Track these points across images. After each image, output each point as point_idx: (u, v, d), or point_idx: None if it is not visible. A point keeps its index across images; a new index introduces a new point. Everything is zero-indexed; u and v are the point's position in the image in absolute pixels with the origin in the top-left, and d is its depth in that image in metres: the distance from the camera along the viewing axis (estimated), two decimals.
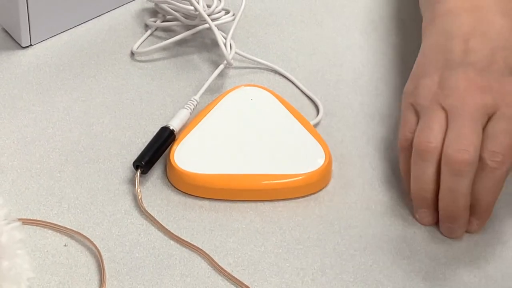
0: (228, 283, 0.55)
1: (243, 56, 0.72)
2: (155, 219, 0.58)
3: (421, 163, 0.56)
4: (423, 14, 0.66)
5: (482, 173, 0.55)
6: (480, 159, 0.55)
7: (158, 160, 0.62)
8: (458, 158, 0.54)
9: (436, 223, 0.58)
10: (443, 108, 0.57)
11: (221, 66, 0.69)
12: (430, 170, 0.56)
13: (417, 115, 0.59)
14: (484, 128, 0.56)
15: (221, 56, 0.70)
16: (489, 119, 0.56)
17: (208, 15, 0.71)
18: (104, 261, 0.55)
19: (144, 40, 0.74)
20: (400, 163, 0.60)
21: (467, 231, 0.57)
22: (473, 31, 0.60)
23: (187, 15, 0.73)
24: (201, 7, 0.71)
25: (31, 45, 0.72)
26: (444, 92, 0.58)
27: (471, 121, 0.56)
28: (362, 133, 0.65)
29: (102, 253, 0.55)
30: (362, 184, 0.61)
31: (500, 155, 0.55)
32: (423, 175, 0.57)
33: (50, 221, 0.58)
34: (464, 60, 0.59)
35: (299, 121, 0.63)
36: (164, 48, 0.73)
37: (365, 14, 0.77)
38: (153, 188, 0.60)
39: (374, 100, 0.68)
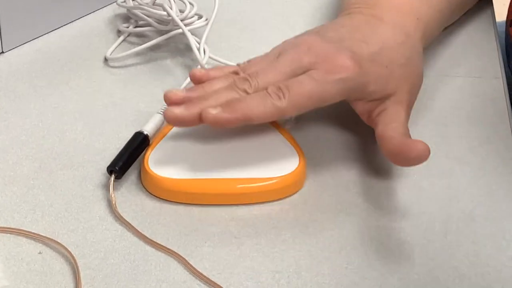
0: (205, 287, 0.54)
1: (217, 61, 0.72)
2: (130, 225, 0.58)
3: None
4: None
5: None
6: None
7: (133, 166, 0.62)
8: None
9: None
10: None
11: None
12: None
13: None
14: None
15: (195, 61, 0.71)
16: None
17: (181, 20, 0.72)
18: (79, 268, 0.55)
19: (117, 46, 0.74)
20: None
21: None
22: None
23: (160, 21, 0.73)
24: (174, 13, 0.71)
25: (2, 52, 0.72)
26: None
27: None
28: (336, 135, 0.66)
29: (77, 260, 0.55)
30: (336, 186, 0.62)
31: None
32: None
33: (24, 229, 0.57)
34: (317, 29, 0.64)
35: (273, 125, 0.64)
36: (137, 54, 0.73)
37: None
38: (127, 193, 0.60)
39: (347, 102, 0.68)
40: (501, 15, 0.89)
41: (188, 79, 0.69)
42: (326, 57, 0.60)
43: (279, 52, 0.62)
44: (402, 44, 0.63)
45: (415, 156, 0.58)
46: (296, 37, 0.63)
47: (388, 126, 0.60)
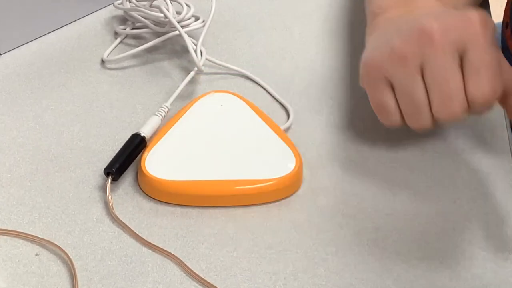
0: None
1: (214, 62, 0.72)
2: (127, 226, 0.58)
3: None
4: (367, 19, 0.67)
5: None
6: None
7: (130, 167, 0.62)
8: None
9: None
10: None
11: (192, 73, 0.70)
12: None
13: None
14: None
15: (192, 63, 0.71)
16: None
17: (178, 22, 0.72)
18: (76, 270, 0.55)
19: (114, 48, 0.74)
20: None
21: None
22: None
23: (157, 22, 0.73)
24: (171, 14, 0.72)
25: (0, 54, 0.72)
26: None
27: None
28: (332, 137, 0.66)
29: (74, 262, 0.55)
30: (333, 188, 0.62)
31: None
32: None
33: (21, 231, 0.57)
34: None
35: (269, 126, 0.64)
36: (134, 56, 0.73)
37: (334, 20, 0.77)
38: (124, 195, 0.60)
39: (344, 104, 0.69)
40: (499, 16, 0.89)
41: (186, 81, 0.69)
42: (456, 22, 0.57)
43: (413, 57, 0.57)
44: None
45: None
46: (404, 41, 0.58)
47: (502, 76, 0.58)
